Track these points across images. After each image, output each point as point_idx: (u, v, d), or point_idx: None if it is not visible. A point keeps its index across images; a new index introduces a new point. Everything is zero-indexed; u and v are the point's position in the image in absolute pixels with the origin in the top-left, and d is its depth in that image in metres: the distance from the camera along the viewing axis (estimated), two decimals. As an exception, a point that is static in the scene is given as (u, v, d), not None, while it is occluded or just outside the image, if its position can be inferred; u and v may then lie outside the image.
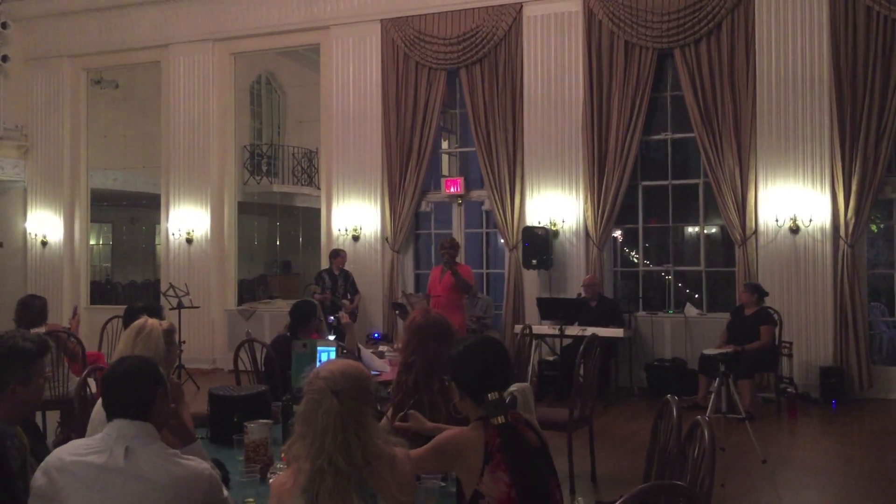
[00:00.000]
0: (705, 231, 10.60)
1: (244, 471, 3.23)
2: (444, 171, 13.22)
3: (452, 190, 11.36)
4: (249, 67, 15.32)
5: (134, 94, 14.72)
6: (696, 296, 10.63)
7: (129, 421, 2.62)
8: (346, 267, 10.97)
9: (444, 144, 13.07)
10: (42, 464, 2.62)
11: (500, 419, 2.58)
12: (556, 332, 9.24)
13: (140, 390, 2.68)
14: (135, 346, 3.75)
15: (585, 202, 10.40)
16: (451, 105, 11.80)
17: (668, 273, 10.86)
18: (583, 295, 9.77)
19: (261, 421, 3.40)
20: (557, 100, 10.50)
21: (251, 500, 2.96)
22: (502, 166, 10.76)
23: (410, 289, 11.38)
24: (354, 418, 2.21)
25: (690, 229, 11.25)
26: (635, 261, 11.20)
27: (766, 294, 8.91)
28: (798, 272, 9.47)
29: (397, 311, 10.17)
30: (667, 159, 10.60)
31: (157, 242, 21.15)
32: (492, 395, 2.59)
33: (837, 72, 9.31)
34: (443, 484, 2.98)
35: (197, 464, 2.65)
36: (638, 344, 10.10)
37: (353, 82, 11.61)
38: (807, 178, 9.44)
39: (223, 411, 3.96)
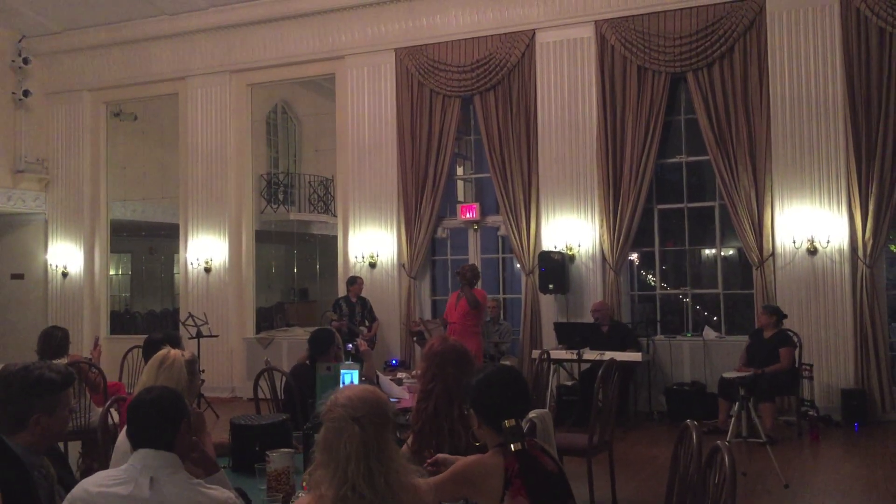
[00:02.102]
0: (722, 253, 10.58)
1: (266, 499, 3.24)
2: (460, 196, 13.28)
3: (468, 216, 11.42)
4: (266, 97, 15.49)
5: (152, 126, 14.91)
6: (715, 318, 10.59)
7: (154, 451, 2.66)
8: (363, 294, 11.01)
9: (460, 170, 13.15)
10: (68, 496, 2.64)
11: (518, 446, 2.60)
12: (574, 357, 9.23)
13: (165, 420, 2.73)
14: (158, 377, 3.79)
15: (601, 226, 10.42)
16: (466, 132, 11.88)
17: (685, 296, 10.83)
18: (594, 320, 9.79)
19: (283, 450, 3.42)
20: (571, 125, 10.55)
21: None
22: (517, 191, 10.81)
23: (427, 315, 11.41)
24: (376, 444, 2.23)
25: (707, 252, 11.21)
26: (652, 284, 11.18)
27: (785, 316, 8.86)
28: (817, 294, 9.42)
29: (415, 338, 10.19)
30: (682, 182, 10.61)
31: (175, 272, 21.34)
32: (508, 423, 2.62)
33: (851, 92, 9.32)
34: (463, 512, 2.99)
35: (220, 493, 2.69)
36: (657, 368, 10.06)
37: (369, 111, 11.73)
38: (823, 200, 9.42)
39: (244, 440, 3.99)
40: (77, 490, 2.65)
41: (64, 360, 6.87)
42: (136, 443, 2.73)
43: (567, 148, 10.57)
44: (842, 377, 9.26)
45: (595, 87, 10.46)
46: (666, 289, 11.10)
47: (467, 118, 11.64)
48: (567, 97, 10.59)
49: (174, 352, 3.97)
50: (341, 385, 3.51)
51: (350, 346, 6.46)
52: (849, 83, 9.34)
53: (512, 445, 2.60)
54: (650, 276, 11.34)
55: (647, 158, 10.16)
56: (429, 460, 3.04)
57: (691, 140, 10.47)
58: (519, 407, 2.72)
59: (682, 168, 10.59)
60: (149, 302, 19.92)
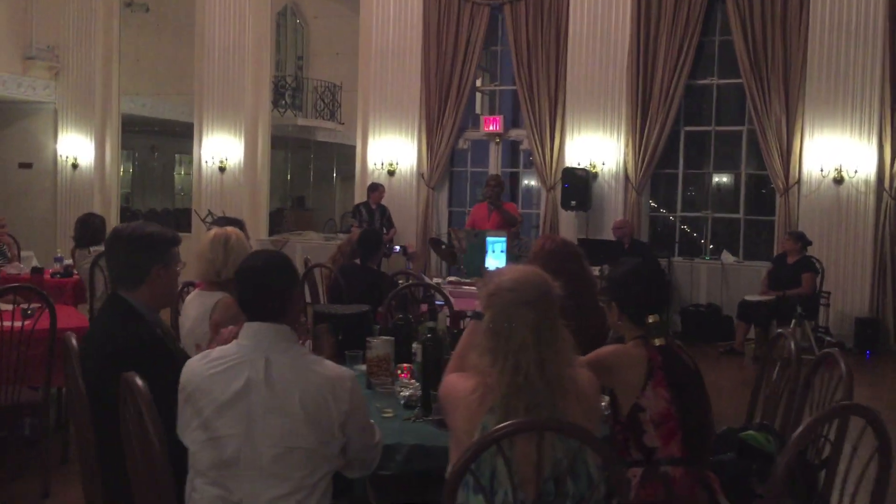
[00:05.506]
0: (746, 179, 10.57)
1: (376, 383, 3.26)
2: (478, 109, 13.13)
3: (492, 128, 11.30)
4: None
5: (165, 18, 14.53)
6: (734, 244, 10.65)
7: (267, 325, 2.42)
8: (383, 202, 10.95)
9: (478, 82, 12.96)
10: (182, 377, 2.46)
11: (662, 341, 2.63)
12: (597, 273, 9.27)
13: (278, 288, 2.48)
14: (227, 258, 3.70)
15: (626, 146, 10.35)
16: (493, 42, 11.64)
17: (706, 219, 10.86)
18: (615, 238, 9.84)
19: (384, 337, 3.44)
20: (603, 40, 10.37)
21: (390, 410, 3.00)
22: (543, 106, 10.68)
23: (445, 226, 11.44)
24: (549, 329, 2.16)
25: (731, 176, 11.19)
26: (674, 206, 11.16)
27: (810, 243, 8.93)
28: (839, 223, 9.48)
29: (442, 246, 10.15)
30: (711, 105, 10.53)
31: (176, 172, 21.15)
32: (652, 318, 2.64)
33: (892, 19, 9.19)
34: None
35: (336, 369, 2.49)
36: (674, 288, 10.14)
37: (394, 16, 11.45)
38: (854, 129, 9.38)
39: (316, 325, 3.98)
40: (188, 373, 2.44)
41: (101, 248, 6.84)
42: (251, 313, 2.46)
43: (597, 63, 10.41)
44: (857, 306, 9.40)
45: (630, 2, 10.24)
46: (687, 212, 11.10)
47: (493, 28, 11.40)
48: (600, 11, 10.37)
49: (230, 229, 3.90)
50: (488, 252, 3.47)
51: (398, 248, 6.46)
52: (891, 8, 9.20)
53: (656, 340, 2.62)
54: (672, 198, 11.30)
55: (678, 79, 10.04)
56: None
57: (723, 62, 10.35)
58: (659, 301, 2.73)
59: (713, 90, 10.50)
60: (149, 200, 19.79)
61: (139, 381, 2.24)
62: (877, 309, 9.36)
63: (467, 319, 5.19)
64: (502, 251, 3.45)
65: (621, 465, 2.22)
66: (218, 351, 2.48)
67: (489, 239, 3.29)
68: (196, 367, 2.44)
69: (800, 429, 2.14)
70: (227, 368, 2.39)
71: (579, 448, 2.02)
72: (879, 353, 9.13)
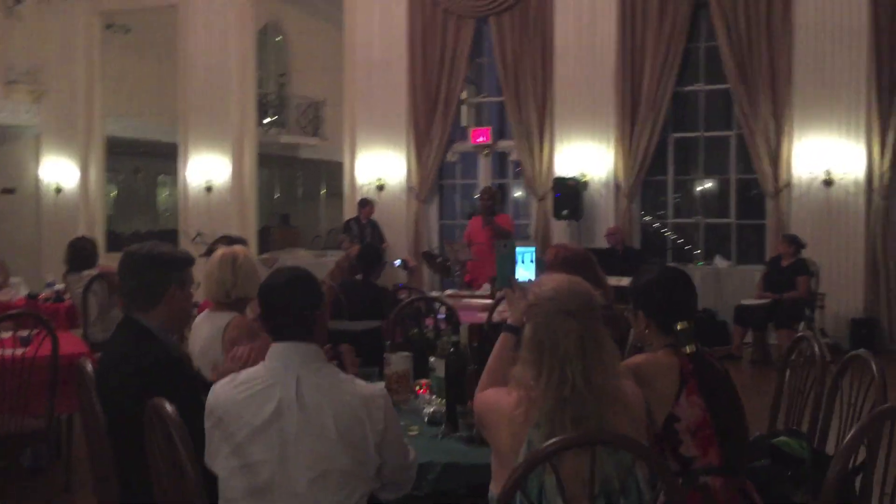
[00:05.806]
0: (736, 183, 10.60)
1: (398, 400, 3.18)
2: (464, 121, 13.10)
3: (480, 140, 11.27)
4: (257, 15, 15.03)
5: (148, 40, 14.43)
6: (725, 248, 10.66)
7: (295, 344, 2.34)
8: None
9: (463, 95, 12.94)
10: (209, 402, 2.37)
11: (692, 348, 2.57)
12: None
13: (304, 306, 2.39)
14: (237, 276, 3.65)
15: (616, 153, 10.35)
16: (478, 54, 11.63)
17: (697, 225, 10.87)
18: (607, 245, 9.84)
19: (402, 353, 3.37)
20: (589, 49, 10.38)
21: (415, 428, 2.93)
22: (531, 116, 10.66)
23: (435, 239, 11.40)
24: (593, 339, 2.11)
25: (721, 181, 11.20)
26: (665, 213, 11.17)
27: (804, 246, 8.95)
28: (830, 225, 9.51)
29: (437, 260, 10.09)
30: (698, 111, 10.57)
31: (159, 193, 20.99)
32: (681, 325, 2.58)
33: (877, 21, 9.25)
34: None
35: (371, 386, 2.45)
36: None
37: (379, 30, 11.43)
38: (842, 131, 9.43)
39: (337, 345, 3.92)
40: (215, 398, 2.35)
41: (94, 272, 6.75)
42: (276, 334, 2.38)
43: (584, 73, 10.42)
44: (851, 307, 9.42)
45: (615, 11, 10.24)
46: (678, 218, 11.11)
47: (479, 39, 11.38)
48: (586, 19, 10.39)
49: (238, 248, 3.85)
50: (518, 263, 3.40)
51: (398, 262, 6.41)
52: (874, 11, 9.25)
53: (687, 347, 2.57)
54: (663, 205, 11.33)
55: (665, 86, 10.07)
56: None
57: (710, 68, 10.39)
58: (688, 308, 2.67)
59: (700, 96, 10.53)
60: (133, 223, 19.58)
61: (168, 406, 2.17)
62: (871, 309, 9.39)
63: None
64: (531, 261, 3.39)
65: (672, 474, 2.16)
66: (245, 374, 2.39)
67: (519, 249, 3.21)
68: (224, 392, 2.36)
69: (849, 436, 2.10)
70: (257, 392, 2.31)
71: (631, 462, 1.97)
72: (875, 352, 9.05)
